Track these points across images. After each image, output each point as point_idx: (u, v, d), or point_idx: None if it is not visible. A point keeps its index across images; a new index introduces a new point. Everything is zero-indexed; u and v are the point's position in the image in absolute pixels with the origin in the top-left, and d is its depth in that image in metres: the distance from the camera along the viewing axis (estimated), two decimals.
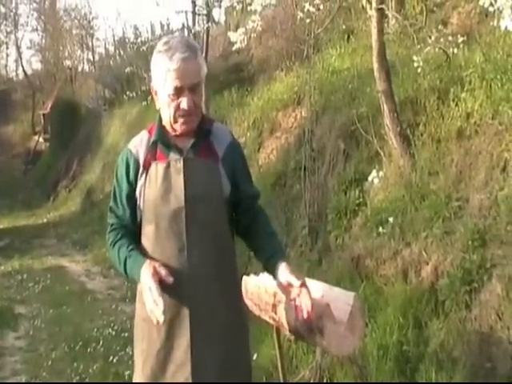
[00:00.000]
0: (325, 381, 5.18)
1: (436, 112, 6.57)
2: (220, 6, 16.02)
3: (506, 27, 5.07)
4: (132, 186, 3.04)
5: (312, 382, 3.85)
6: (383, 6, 6.63)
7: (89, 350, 7.27)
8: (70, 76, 29.77)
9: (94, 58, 29.87)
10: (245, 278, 4.17)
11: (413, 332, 5.07)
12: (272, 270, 2.99)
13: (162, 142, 3.00)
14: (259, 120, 11.07)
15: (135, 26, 23.17)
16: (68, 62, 31.18)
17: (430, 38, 6.82)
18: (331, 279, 5.66)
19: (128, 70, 20.03)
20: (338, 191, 7.34)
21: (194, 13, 13.72)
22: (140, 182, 3.00)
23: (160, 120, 3.03)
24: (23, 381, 6.64)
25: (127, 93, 19.70)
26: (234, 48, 10.37)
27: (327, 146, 8.13)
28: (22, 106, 34.35)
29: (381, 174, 6.78)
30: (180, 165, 2.95)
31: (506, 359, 4.43)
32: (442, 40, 6.77)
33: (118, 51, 24.15)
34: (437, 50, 6.93)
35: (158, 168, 2.97)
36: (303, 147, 8.22)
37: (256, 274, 4.31)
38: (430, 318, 5.10)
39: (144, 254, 3.00)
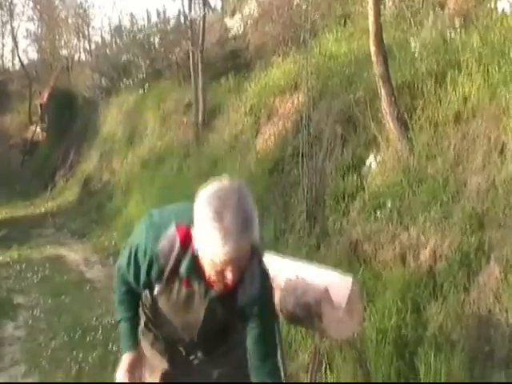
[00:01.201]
0: (323, 366, 5.19)
1: (433, 96, 6.55)
2: None
3: (503, 9, 5.06)
4: (151, 282, 2.81)
5: (310, 371, 3.84)
6: None
7: (88, 338, 7.28)
8: (66, 65, 29.59)
9: (90, 46, 29.75)
10: None
11: (411, 316, 5.06)
12: None
13: (192, 275, 2.70)
14: (256, 106, 11.04)
15: (131, 14, 23.08)
16: (64, 52, 31.03)
17: (427, 21, 6.79)
18: (329, 264, 5.64)
19: (124, 58, 20.00)
20: (336, 176, 7.33)
21: None
22: (158, 288, 2.82)
23: (195, 253, 2.60)
24: (23, 370, 6.65)
25: (124, 81, 19.68)
26: (230, 34, 10.37)
27: (325, 131, 8.10)
28: (18, 96, 34.16)
29: (378, 158, 6.78)
30: (204, 300, 2.76)
31: (504, 342, 4.42)
32: (439, 23, 6.74)
33: (114, 39, 24.03)
34: (434, 33, 6.90)
35: (180, 291, 2.78)
36: (301, 133, 8.21)
37: None
38: (428, 302, 5.09)
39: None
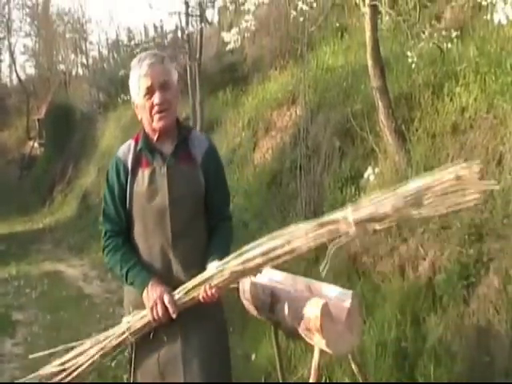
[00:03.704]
0: (323, 380, 5.15)
1: (431, 107, 6.55)
2: (213, 7, 16.01)
3: (499, 20, 5.05)
4: (123, 188, 3.32)
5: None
6: (376, 3, 6.60)
7: None
8: (64, 80, 29.70)
9: (87, 61, 29.83)
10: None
11: (411, 328, 5.04)
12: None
13: (147, 148, 3.31)
14: (254, 120, 11.05)
15: (128, 29, 23.19)
16: (62, 67, 31.19)
17: (424, 33, 6.81)
18: (328, 277, 5.59)
19: (122, 72, 19.95)
20: (334, 189, 7.31)
21: (187, 14, 13.64)
22: (129, 186, 3.31)
23: (144, 130, 3.36)
24: None
25: (121, 96, 19.68)
26: (227, 48, 10.40)
27: (322, 144, 8.10)
28: (16, 111, 34.25)
29: (376, 170, 6.76)
30: (164, 170, 3.27)
31: (504, 353, 4.41)
32: (435, 35, 6.75)
33: (111, 54, 24.13)
34: (431, 45, 6.91)
35: (144, 174, 3.29)
36: (298, 146, 8.22)
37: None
38: (427, 314, 5.07)
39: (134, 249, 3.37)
